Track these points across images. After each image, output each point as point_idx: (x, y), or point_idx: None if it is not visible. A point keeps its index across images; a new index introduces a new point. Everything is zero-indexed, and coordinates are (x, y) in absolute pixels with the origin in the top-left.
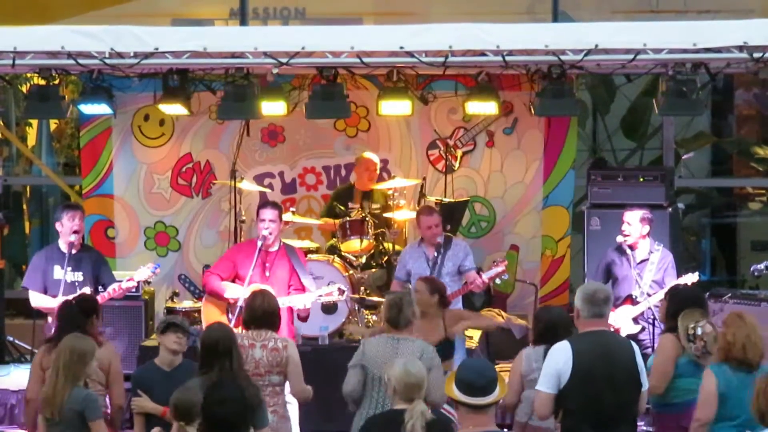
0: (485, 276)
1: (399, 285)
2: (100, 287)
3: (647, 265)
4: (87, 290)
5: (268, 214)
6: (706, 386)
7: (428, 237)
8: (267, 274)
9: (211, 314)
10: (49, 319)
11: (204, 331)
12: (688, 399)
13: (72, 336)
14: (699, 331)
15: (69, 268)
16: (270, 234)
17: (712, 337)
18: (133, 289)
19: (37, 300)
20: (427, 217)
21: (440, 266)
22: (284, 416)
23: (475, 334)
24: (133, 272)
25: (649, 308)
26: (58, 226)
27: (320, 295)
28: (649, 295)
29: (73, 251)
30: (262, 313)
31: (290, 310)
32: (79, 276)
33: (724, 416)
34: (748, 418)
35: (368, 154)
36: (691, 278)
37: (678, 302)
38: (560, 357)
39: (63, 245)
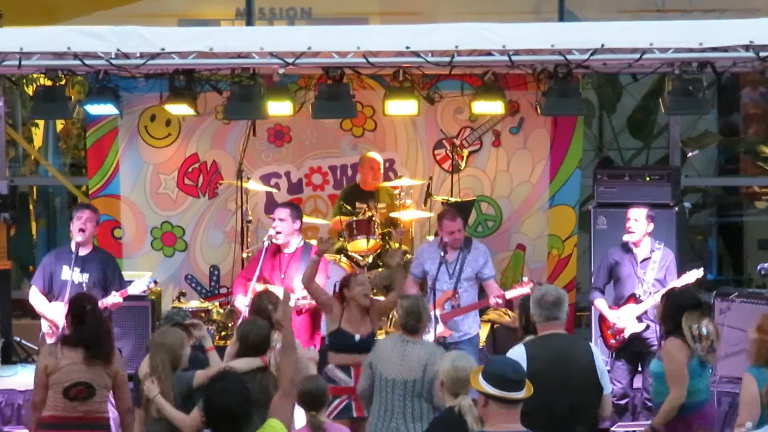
0: (508, 295)
1: (413, 282)
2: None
3: (649, 264)
4: (94, 292)
5: (279, 213)
6: (747, 390)
7: (450, 242)
8: (282, 276)
9: None
10: (42, 324)
11: (247, 325)
12: (695, 400)
13: (157, 333)
14: (704, 331)
15: (77, 269)
16: (278, 233)
17: (715, 335)
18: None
19: (34, 298)
20: (451, 222)
21: (459, 270)
22: None
23: (483, 334)
24: (138, 274)
25: (654, 306)
26: (71, 225)
27: (298, 299)
28: (651, 294)
29: (82, 252)
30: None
31: (316, 312)
32: (85, 277)
33: (765, 421)
34: None
35: (372, 154)
36: (695, 274)
37: (675, 305)
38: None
39: (73, 245)
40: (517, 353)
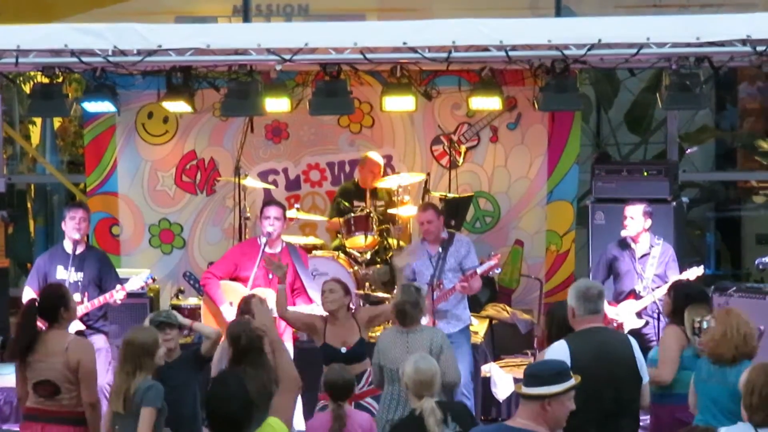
0: (479, 270)
1: None
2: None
3: (648, 260)
4: (90, 291)
5: (273, 211)
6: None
7: (423, 233)
8: (270, 276)
9: (210, 319)
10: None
11: (233, 327)
12: (684, 391)
13: (134, 328)
14: (705, 325)
15: (72, 269)
16: (274, 231)
17: None
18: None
19: (27, 299)
20: (421, 213)
21: (442, 263)
22: None
23: (480, 330)
24: (136, 271)
25: (654, 302)
26: (63, 225)
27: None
28: (652, 290)
29: (76, 251)
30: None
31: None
32: (80, 276)
33: (698, 408)
34: (708, 413)
35: (373, 155)
36: (696, 272)
37: (683, 298)
38: (557, 357)
39: (67, 245)
40: (559, 349)
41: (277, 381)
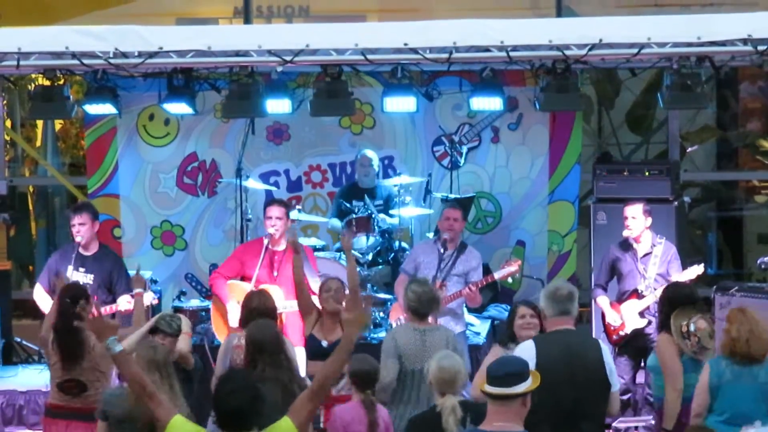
0: (497, 275)
1: (405, 278)
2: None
3: (651, 259)
4: (99, 294)
5: (275, 211)
6: (701, 379)
7: (445, 228)
8: (275, 274)
9: (219, 320)
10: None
11: (252, 328)
12: (688, 394)
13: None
14: (692, 328)
15: (82, 270)
16: (276, 231)
17: (706, 332)
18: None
19: (39, 296)
20: (450, 210)
21: (450, 266)
22: None
23: (483, 330)
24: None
25: (656, 302)
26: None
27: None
28: (654, 289)
29: (85, 252)
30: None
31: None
32: (90, 278)
33: (714, 410)
34: (737, 413)
35: (364, 151)
36: (696, 270)
37: (670, 301)
38: (523, 356)
39: (77, 246)
40: (526, 348)
41: (302, 384)
